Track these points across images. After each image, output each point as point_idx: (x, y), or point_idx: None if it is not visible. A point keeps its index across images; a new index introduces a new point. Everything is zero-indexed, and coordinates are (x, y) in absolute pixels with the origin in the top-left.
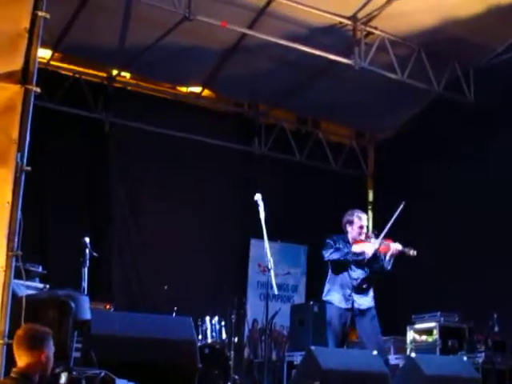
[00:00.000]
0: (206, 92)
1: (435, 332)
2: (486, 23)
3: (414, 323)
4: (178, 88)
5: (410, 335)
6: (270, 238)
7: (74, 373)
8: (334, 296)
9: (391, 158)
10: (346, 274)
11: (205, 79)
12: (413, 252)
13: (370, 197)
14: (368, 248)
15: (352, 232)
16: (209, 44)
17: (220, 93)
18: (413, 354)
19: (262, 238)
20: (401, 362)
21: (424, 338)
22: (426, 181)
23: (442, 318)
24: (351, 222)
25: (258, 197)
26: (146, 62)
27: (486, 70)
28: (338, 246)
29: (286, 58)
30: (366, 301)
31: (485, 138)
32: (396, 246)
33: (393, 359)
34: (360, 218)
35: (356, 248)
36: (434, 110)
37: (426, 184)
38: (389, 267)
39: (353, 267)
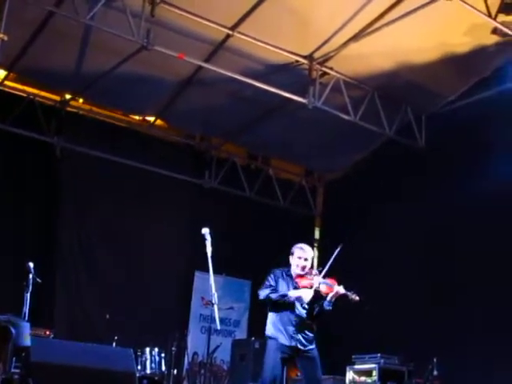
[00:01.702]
0: (160, 122)
1: (375, 373)
2: (440, 71)
3: (353, 363)
4: (132, 116)
5: (350, 375)
6: (214, 272)
7: None
8: (278, 332)
9: (340, 198)
10: (288, 311)
11: (159, 109)
12: (355, 297)
13: (317, 235)
14: (305, 294)
15: (292, 263)
16: (165, 75)
17: (173, 124)
18: None
19: (207, 270)
20: None
21: (363, 378)
22: (373, 222)
23: (382, 360)
24: (292, 253)
25: (205, 231)
26: (101, 89)
27: (438, 116)
28: (276, 284)
29: (241, 94)
30: (309, 340)
31: (432, 183)
32: (339, 289)
33: None
34: (302, 249)
35: (293, 293)
36: (385, 152)
37: (372, 225)
38: (328, 307)
39: (295, 304)
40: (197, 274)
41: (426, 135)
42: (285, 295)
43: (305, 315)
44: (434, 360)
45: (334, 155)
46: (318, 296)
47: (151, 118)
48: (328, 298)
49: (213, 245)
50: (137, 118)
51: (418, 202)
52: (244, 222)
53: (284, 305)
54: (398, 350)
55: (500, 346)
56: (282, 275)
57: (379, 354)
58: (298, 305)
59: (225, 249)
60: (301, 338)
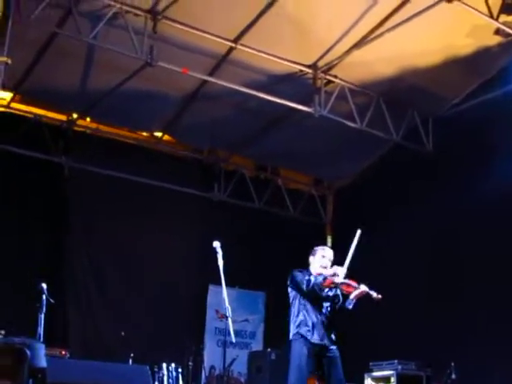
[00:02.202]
0: (167, 137)
1: (393, 380)
2: (444, 74)
3: (371, 371)
4: (139, 133)
5: (368, 383)
6: (227, 285)
7: None
8: (308, 331)
9: (349, 206)
10: (316, 311)
11: (165, 125)
12: (377, 296)
13: (329, 243)
14: (340, 270)
15: (314, 262)
16: (170, 90)
17: (180, 139)
18: None
19: (220, 284)
20: None
21: None
22: (384, 227)
23: (400, 366)
24: (314, 254)
25: (216, 244)
26: (106, 107)
27: (444, 119)
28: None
29: (246, 106)
30: (334, 339)
31: (441, 187)
32: (363, 288)
33: None
34: (324, 249)
35: (328, 271)
36: (393, 158)
37: (383, 230)
38: (350, 306)
39: (319, 301)
40: (210, 287)
41: (433, 139)
42: (320, 281)
43: (330, 315)
44: (452, 364)
45: (342, 163)
46: (339, 295)
47: (158, 134)
48: (352, 296)
49: (225, 257)
50: (144, 134)
51: (427, 206)
52: (255, 233)
53: (314, 302)
54: (415, 355)
55: None
56: (306, 272)
57: (396, 361)
58: (323, 305)
59: (237, 261)
60: (328, 337)
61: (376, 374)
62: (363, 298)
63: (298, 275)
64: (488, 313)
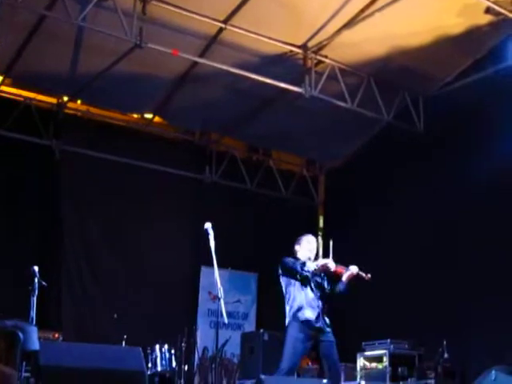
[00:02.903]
0: (158, 119)
1: (385, 359)
2: (434, 53)
3: (364, 350)
4: (129, 115)
5: (360, 362)
6: (220, 266)
7: None
8: (306, 314)
9: (341, 186)
10: (311, 294)
11: (156, 107)
12: (367, 276)
13: (321, 223)
14: (329, 261)
15: (301, 249)
16: (160, 72)
17: (171, 121)
18: (362, 382)
19: (212, 265)
20: None
21: (374, 365)
22: (376, 208)
23: (392, 346)
24: (299, 243)
25: (208, 225)
26: (96, 90)
27: (435, 98)
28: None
29: (237, 87)
30: (328, 323)
31: (433, 166)
32: (353, 270)
33: None
34: (311, 240)
35: (318, 262)
36: (384, 138)
37: (374, 211)
38: (343, 289)
39: (313, 287)
40: (203, 269)
41: (424, 118)
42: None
43: (323, 299)
44: (444, 343)
45: (333, 143)
46: (331, 278)
47: (149, 116)
48: (344, 279)
49: (217, 239)
50: (135, 116)
51: (419, 185)
52: (247, 214)
53: (305, 289)
54: (408, 334)
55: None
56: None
57: (389, 340)
58: (316, 289)
59: (229, 242)
60: (323, 321)
61: (369, 353)
62: (354, 279)
63: (290, 261)
64: (480, 293)
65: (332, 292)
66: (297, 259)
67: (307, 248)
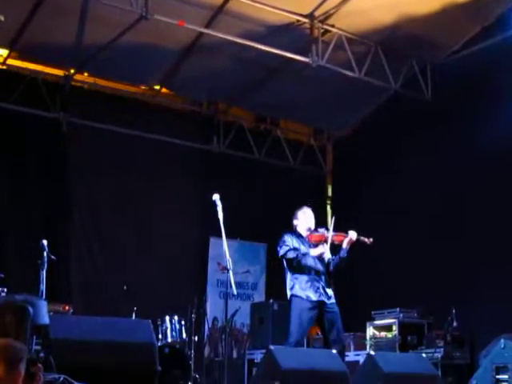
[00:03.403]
0: (165, 90)
1: (394, 328)
2: (442, 21)
3: (373, 319)
4: (136, 86)
5: (370, 331)
6: (229, 237)
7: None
8: (305, 290)
9: (349, 155)
10: (310, 268)
11: (162, 78)
12: (369, 240)
13: (329, 192)
14: (326, 249)
15: (300, 224)
16: (166, 43)
17: (178, 92)
18: (372, 352)
19: (221, 236)
20: (361, 359)
21: (383, 334)
22: (384, 176)
23: (401, 315)
24: (296, 217)
25: (216, 197)
26: (103, 61)
27: (442, 66)
28: (293, 245)
29: (243, 57)
30: (330, 294)
31: (440, 134)
32: (352, 235)
33: (352, 356)
34: (307, 211)
35: (314, 251)
36: (392, 107)
37: (382, 180)
38: (345, 255)
39: (315, 260)
40: (211, 239)
41: (432, 86)
42: (306, 253)
43: (325, 270)
44: (453, 311)
45: (340, 112)
46: (332, 248)
47: (156, 87)
48: (344, 245)
49: (225, 209)
50: (142, 87)
51: (427, 153)
52: (255, 184)
53: (305, 263)
54: (417, 303)
55: None
56: (295, 236)
57: (398, 309)
58: (317, 261)
59: (238, 213)
60: (325, 293)
61: (378, 322)
62: (357, 244)
63: (285, 240)
64: (489, 261)
65: (335, 261)
66: (297, 235)
67: (304, 219)
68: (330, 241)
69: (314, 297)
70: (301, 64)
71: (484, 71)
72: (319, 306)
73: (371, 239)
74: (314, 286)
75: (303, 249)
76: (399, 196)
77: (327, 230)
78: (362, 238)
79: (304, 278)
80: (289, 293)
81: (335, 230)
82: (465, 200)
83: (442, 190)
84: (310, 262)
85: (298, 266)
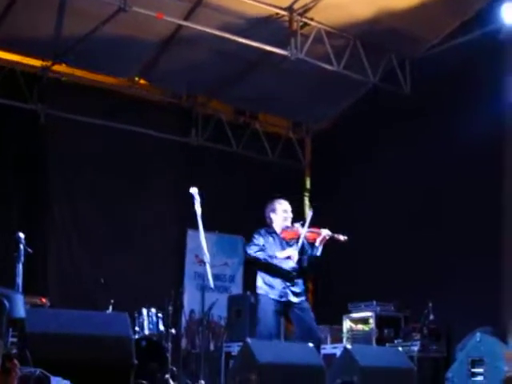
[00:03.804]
0: (143, 82)
1: (371, 321)
2: (421, 15)
3: (350, 312)
4: (115, 78)
5: (347, 324)
6: (207, 229)
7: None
8: (268, 289)
9: (328, 148)
10: (276, 268)
11: (141, 70)
12: (343, 237)
13: (308, 185)
14: (293, 253)
15: (277, 219)
16: (145, 35)
17: (157, 84)
18: (348, 346)
19: (199, 229)
20: (337, 352)
21: (360, 327)
22: (362, 170)
23: (378, 308)
24: (274, 210)
25: (193, 190)
26: (81, 53)
27: (421, 61)
28: (264, 244)
29: (222, 49)
30: (298, 293)
31: (419, 128)
32: (325, 233)
33: (329, 349)
34: (283, 203)
35: (281, 254)
36: (370, 100)
37: (361, 173)
38: (318, 253)
39: (282, 260)
40: (189, 232)
41: (411, 80)
42: (272, 256)
43: (292, 269)
44: (430, 305)
45: (319, 106)
46: (305, 246)
47: (135, 79)
48: (316, 244)
49: (203, 202)
50: (120, 80)
51: (406, 147)
52: (233, 177)
53: (272, 263)
54: (394, 296)
55: (496, 288)
56: (268, 233)
57: (375, 302)
58: (286, 261)
59: (216, 205)
60: (290, 293)
61: (355, 315)
62: (331, 242)
63: (254, 239)
64: (466, 255)
65: (307, 260)
66: (270, 231)
67: (283, 214)
68: (302, 238)
69: (278, 297)
70: (280, 57)
71: (463, 66)
72: (286, 305)
73: (346, 237)
74: (281, 286)
75: (271, 250)
76: (377, 189)
77: (303, 225)
78: (336, 235)
79: (270, 277)
80: (258, 287)
81: (312, 224)
82: (442, 194)
83: (419, 183)
84: (277, 262)
85: (265, 265)
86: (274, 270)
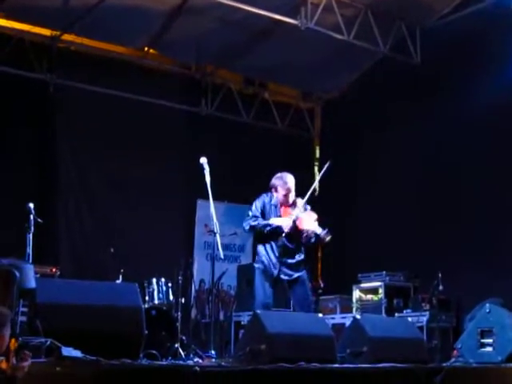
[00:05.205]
0: (153, 52)
1: (381, 291)
2: None
3: (359, 282)
4: (124, 48)
5: (356, 294)
6: (216, 199)
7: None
8: (264, 262)
9: (338, 118)
10: (272, 241)
11: (150, 40)
12: (327, 238)
13: (317, 154)
14: (285, 223)
15: (280, 190)
16: (154, 5)
17: (166, 54)
18: (358, 316)
19: (208, 199)
20: (347, 321)
21: (370, 297)
22: (372, 140)
23: (388, 278)
24: (276, 189)
25: (203, 160)
26: (90, 23)
27: (432, 30)
28: (262, 213)
29: (232, 19)
30: (294, 266)
31: (430, 99)
32: (312, 228)
33: (339, 318)
34: (286, 183)
35: (274, 221)
36: (380, 70)
37: (371, 143)
38: (311, 242)
39: (279, 234)
40: (199, 202)
41: (422, 50)
42: (267, 224)
43: (289, 243)
44: (439, 275)
45: (329, 75)
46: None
47: (144, 49)
48: (302, 240)
49: (213, 172)
50: (129, 50)
51: (416, 117)
52: (243, 147)
53: (269, 234)
54: (403, 266)
55: (507, 259)
56: (267, 202)
57: (384, 272)
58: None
59: (226, 175)
60: (285, 267)
61: (364, 285)
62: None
63: (251, 211)
64: (475, 226)
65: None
66: (269, 200)
67: (287, 188)
68: (293, 218)
69: (272, 270)
70: (290, 26)
71: (474, 35)
72: (279, 280)
73: (328, 238)
74: (273, 260)
75: (266, 219)
76: (387, 159)
77: (305, 209)
78: (321, 234)
79: (265, 249)
80: (256, 258)
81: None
82: (453, 165)
83: (430, 154)
84: (273, 234)
85: (261, 237)
86: (269, 240)
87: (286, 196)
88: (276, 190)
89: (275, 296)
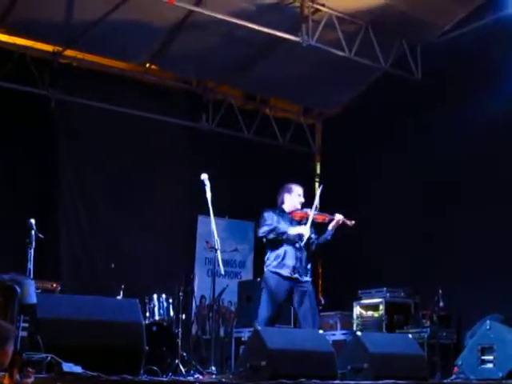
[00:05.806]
0: (154, 67)
1: (381, 307)
2: (434, 0)
3: (360, 299)
4: (125, 63)
5: (357, 311)
6: (217, 215)
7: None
8: (281, 266)
9: (338, 134)
10: (288, 246)
11: (152, 55)
12: (350, 222)
13: (318, 170)
14: (305, 230)
15: (290, 200)
16: (156, 20)
17: (167, 69)
18: (358, 332)
19: (209, 215)
20: (347, 338)
21: (370, 313)
22: (372, 155)
23: (388, 294)
24: (289, 190)
25: (204, 176)
26: (92, 38)
27: (433, 47)
28: (274, 222)
29: (233, 35)
30: (307, 271)
31: (431, 114)
32: (339, 217)
33: (339, 335)
34: (297, 187)
35: (293, 230)
36: (381, 86)
37: (371, 159)
38: (329, 237)
39: (294, 239)
40: (200, 218)
41: (422, 66)
42: (284, 232)
43: (304, 248)
44: (440, 291)
45: (330, 92)
46: (315, 228)
47: (146, 65)
48: (329, 227)
49: (214, 188)
50: (131, 65)
51: (417, 133)
52: (244, 162)
53: (283, 242)
54: (404, 283)
55: (507, 275)
56: (276, 213)
57: (385, 288)
58: (297, 239)
59: (227, 191)
60: (301, 270)
61: (365, 301)
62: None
63: (264, 219)
64: (476, 242)
65: (318, 240)
66: (280, 210)
67: (297, 198)
68: (311, 218)
69: (287, 273)
70: (291, 43)
71: (474, 52)
72: (292, 282)
73: (353, 222)
74: (290, 263)
75: (283, 227)
76: (387, 176)
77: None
78: (345, 220)
79: (280, 255)
80: (264, 269)
81: (321, 204)
82: (456, 181)
83: (431, 170)
84: (288, 240)
85: (276, 244)
86: (285, 246)
87: (299, 200)
88: (289, 192)
89: (280, 309)
